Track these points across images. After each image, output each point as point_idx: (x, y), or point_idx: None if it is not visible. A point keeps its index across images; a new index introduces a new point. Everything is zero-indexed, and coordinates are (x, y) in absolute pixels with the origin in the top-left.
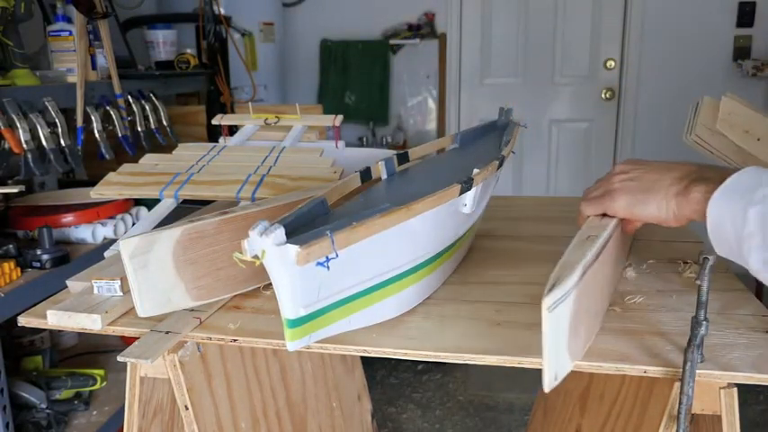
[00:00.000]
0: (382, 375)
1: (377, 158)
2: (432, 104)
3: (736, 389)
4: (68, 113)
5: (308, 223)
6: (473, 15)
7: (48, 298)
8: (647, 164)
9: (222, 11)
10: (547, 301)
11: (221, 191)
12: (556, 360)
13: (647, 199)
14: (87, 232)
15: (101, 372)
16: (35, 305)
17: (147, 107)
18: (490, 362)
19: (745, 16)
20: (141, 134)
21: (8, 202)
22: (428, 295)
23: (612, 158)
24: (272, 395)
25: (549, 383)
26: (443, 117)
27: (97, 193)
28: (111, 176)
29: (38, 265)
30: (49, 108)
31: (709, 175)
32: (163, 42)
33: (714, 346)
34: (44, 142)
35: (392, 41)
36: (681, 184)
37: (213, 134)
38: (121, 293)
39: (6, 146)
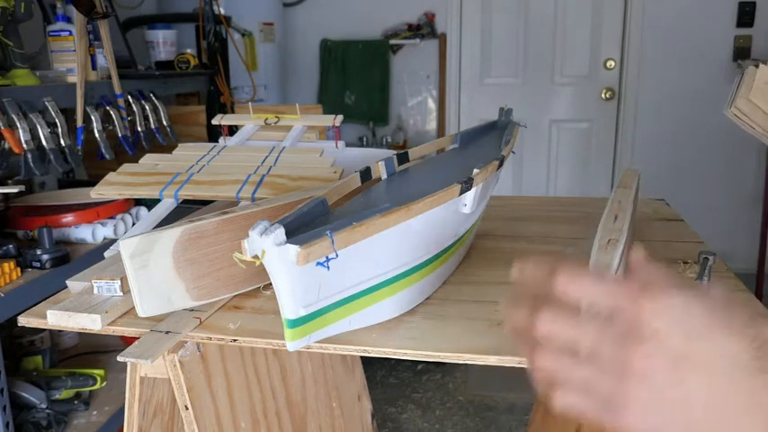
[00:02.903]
0: (382, 375)
1: (377, 158)
2: (432, 104)
3: None
4: (68, 113)
5: (308, 223)
6: (473, 15)
7: (48, 298)
8: (715, 369)
9: (222, 11)
10: None
11: (221, 191)
12: None
13: None
14: (87, 232)
15: (101, 372)
16: (35, 305)
17: (147, 107)
18: (490, 362)
19: (745, 16)
20: (141, 134)
21: (8, 202)
22: (428, 295)
23: (612, 158)
24: (272, 395)
25: None
26: (443, 117)
27: (97, 193)
28: (111, 176)
29: (38, 265)
30: (49, 108)
31: None
32: (163, 42)
33: None
34: (44, 142)
35: (392, 41)
36: None
37: (213, 134)
38: (121, 293)
39: (6, 146)
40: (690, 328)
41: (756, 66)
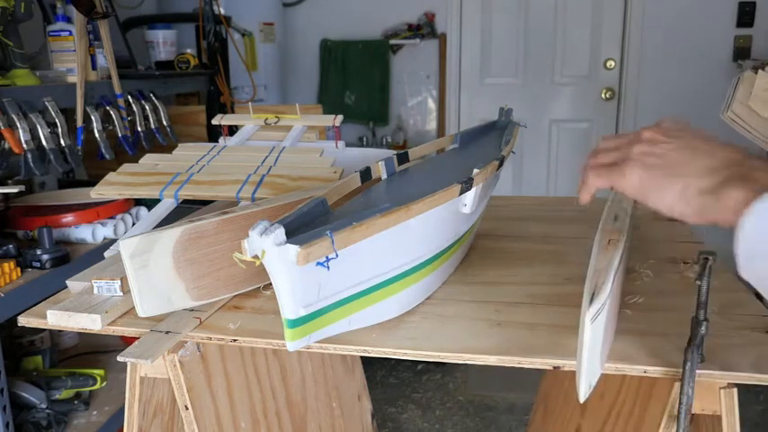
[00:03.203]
0: (382, 375)
1: (377, 158)
2: (432, 104)
3: (736, 389)
4: (68, 113)
5: (308, 223)
6: (473, 15)
7: (48, 298)
8: (683, 136)
9: (222, 11)
10: (590, 312)
11: (221, 191)
12: (591, 369)
13: (665, 185)
14: (87, 232)
15: (101, 372)
16: (35, 305)
17: (147, 107)
18: (490, 362)
19: (745, 16)
20: (141, 134)
21: (8, 202)
22: (428, 295)
23: None
24: (272, 395)
25: (585, 393)
26: (443, 117)
27: (97, 193)
28: (111, 176)
29: (38, 265)
30: (49, 108)
31: (758, 175)
32: (163, 42)
33: (714, 346)
34: (44, 142)
35: (392, 41)
36: (713, 179)
37: (213, 134)
38: (121, 293)
39: (6, 146)
40: (685, 128)
41: (755, 71)
